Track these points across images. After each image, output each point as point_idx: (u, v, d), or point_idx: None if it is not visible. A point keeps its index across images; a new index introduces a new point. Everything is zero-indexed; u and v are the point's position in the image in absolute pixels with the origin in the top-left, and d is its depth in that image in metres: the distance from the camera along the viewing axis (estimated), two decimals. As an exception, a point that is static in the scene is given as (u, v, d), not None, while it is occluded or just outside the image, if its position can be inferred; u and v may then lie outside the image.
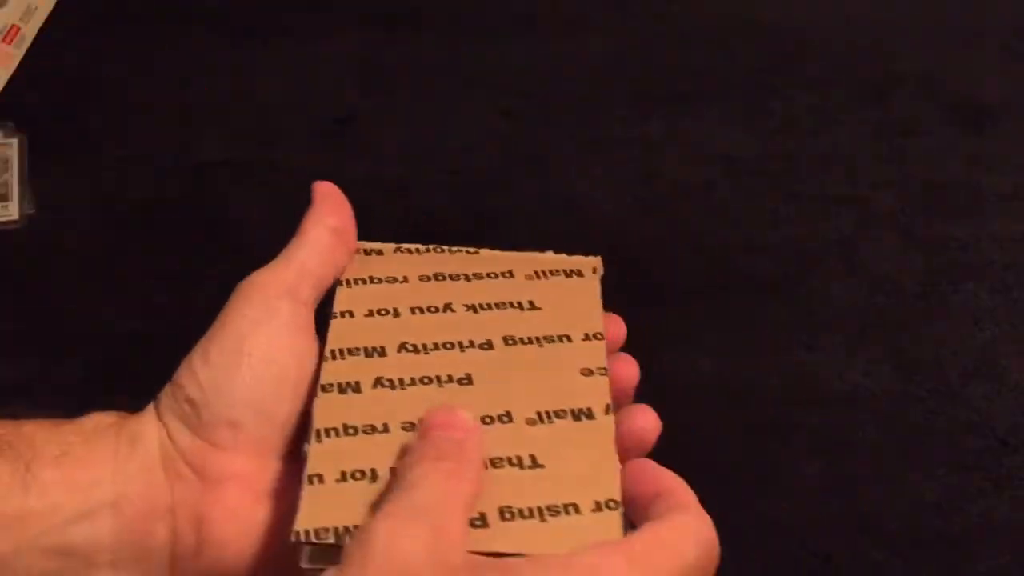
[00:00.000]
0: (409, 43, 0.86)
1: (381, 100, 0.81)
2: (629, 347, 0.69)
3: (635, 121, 0.79)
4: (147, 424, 0.42)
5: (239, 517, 0.40)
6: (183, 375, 0.42)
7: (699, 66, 0.83)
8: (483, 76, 0.83)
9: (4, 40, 0.84)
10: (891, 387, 0.64)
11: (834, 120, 0.78)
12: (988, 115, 0.79)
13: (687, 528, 0.36)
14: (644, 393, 0.67)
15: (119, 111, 0.80)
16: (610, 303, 0.71)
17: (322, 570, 0.35)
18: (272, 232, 0.77)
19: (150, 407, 0.42)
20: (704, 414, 0.63)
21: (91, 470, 0.40)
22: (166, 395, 0.42)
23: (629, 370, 0.47)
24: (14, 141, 0.76)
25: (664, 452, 0.65)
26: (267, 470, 0.42)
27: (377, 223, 0.70)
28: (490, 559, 0.34)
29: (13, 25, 0.85)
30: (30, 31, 0.85)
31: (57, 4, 0.88)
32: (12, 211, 0.72)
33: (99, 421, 0.42)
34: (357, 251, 0.47)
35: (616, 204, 0.72)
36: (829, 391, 0.64)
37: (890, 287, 0.68)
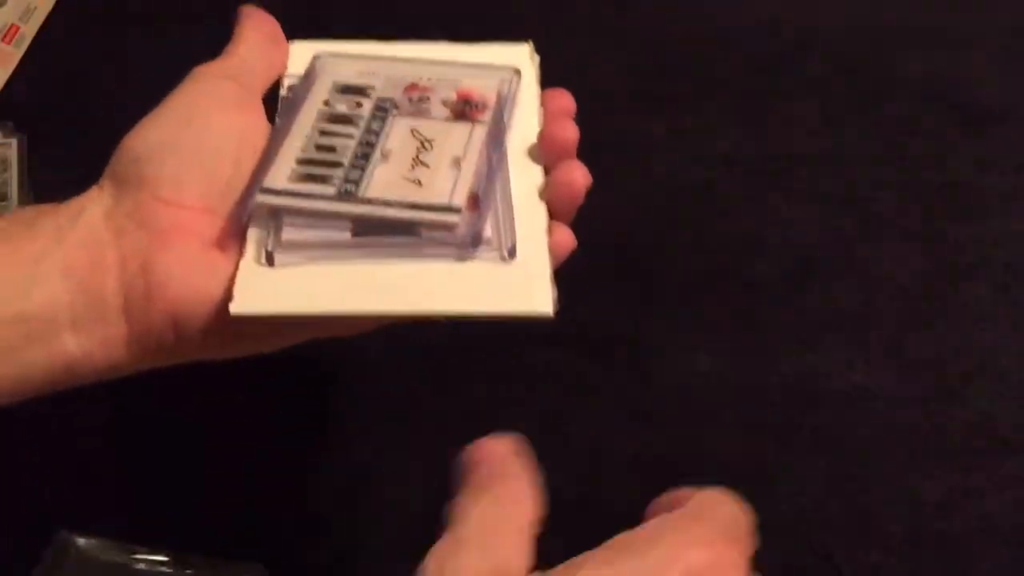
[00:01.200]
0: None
1: (381, 100, 0.81)
2: (629, 346, 0.69)
3: (635, 121, 0.79)
4: (89, 197, 0.44)
5: (185, 259, 0.42)
6: (128, 140, 0.46)
7: (699, 66, 0.83)
8: (483, 76, 0.83)
9: (3, 40, 0.84)
10: (891, 387, 0.64)
11: (834, 120, 0.78)
12: (989, 116, 0.79)
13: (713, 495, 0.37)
14: (644, 393, 0.67)
15: (119, 111, 0.80)
16: (611, 303, 0.72)
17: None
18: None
19: (92, 187, 0.45)
20: (704, 414, 0.63)
21: (35, 244, 0.42)
22: (110, 165, 0.45)
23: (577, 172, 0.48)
24: (14, 141, 0.76)
25: (664, 452, 0.65)
26: (210, 224, 0.43)
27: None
28: (559, 568, 0.33)
29: (12, 25, 0.84)
30: (29, 31, 0.85)
31: (57, 4, 0.88)
32: (12, 211, 0.72)
33: (31, 208, 0.44)
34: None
35: (616, 204, 0.72)
36: (829, 391, 0.64)
37: (890, 287, 0.68)
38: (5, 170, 0.74)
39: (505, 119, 0.45)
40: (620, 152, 0.77)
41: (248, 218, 0.42)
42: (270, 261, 0.41)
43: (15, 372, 0.41)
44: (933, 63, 0.83)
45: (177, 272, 0.41)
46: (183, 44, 0.88)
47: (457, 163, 0.43)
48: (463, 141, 0.44)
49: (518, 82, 0.46)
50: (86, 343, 0.41)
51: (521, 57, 0.49)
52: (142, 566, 0.44)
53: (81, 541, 0.44)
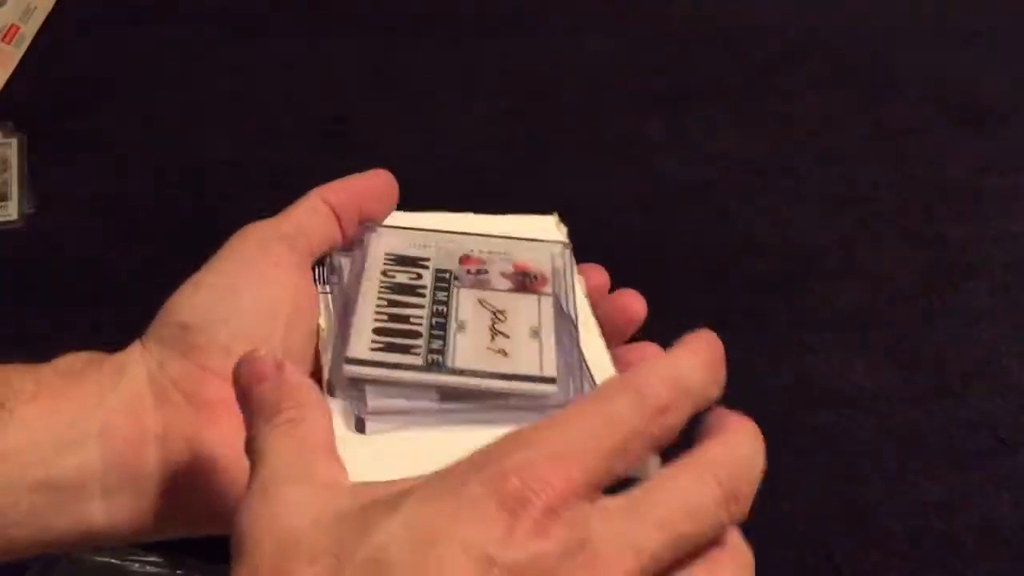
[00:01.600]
0: (409, 43, 0.86)
1: (381, 100, 0.81)
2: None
3: (635, 121, 0.79)
4: (132, 356, 0.42)
5: (230, 438, 0.39)
6: (174, 303, 0.43)
7: (699, 66, 0.83)
8: (483, 76, 0.83)
9: (3, 40, 0.84)
10: (891, 387, 0.64)
11: (834, 120, 0.78)
12: (989, 115, 0.79)
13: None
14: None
15: (119, 111, 0.80)
16: (610, 303, 0.71)
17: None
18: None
19: (135, 343, 0.42)
20: (704, 414, 0.63)
21: (73, 403, 0.40)
22: (155, 326, 0.42)
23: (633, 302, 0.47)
24: (14, 141, 0.76)
25: (665, 453, 0.65)
26: None
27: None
28: (377, 485, 0.32)
29: (12, 25, 0.84)
30: (29, 31, 0.85)
31: (57, 4, 0.88)
32: (12, 211, 0.72)
33: (75, 359, 0.42)
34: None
35: (616, 204, 0.72)
36: (829, 391, 0.64)
37: (890, 287, 0.68)
38: (5, 170, 0.74)
39: (565, 292, 0.46)
40: (620, 152, 0.77)
41: (330, 389, 0.41)
42: (360, 428, 0.40)
43: (35, 536, 0.39)
44: (933, 63, 0.83)
45: (222, 453, 0.40)
46: (183, 44, 0.89)
47: (536, 333, 0.44)
48: (534, 312, 0.45)
49: (570, 256, 0.48)
50: (115, 513, 0.39)
51: (548, 227, 0.50)
52: (135, 567, 0.44)
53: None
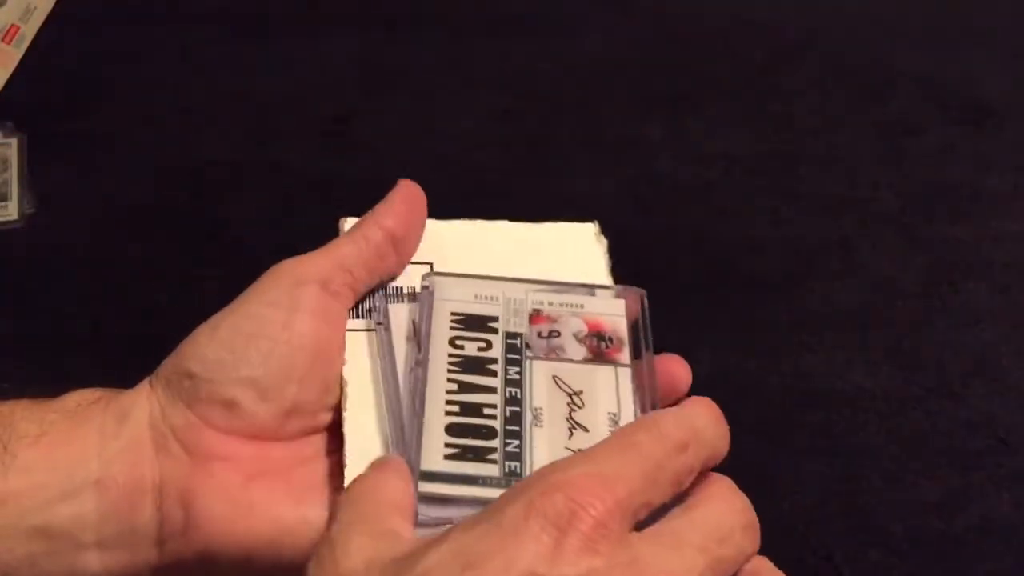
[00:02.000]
0: (409, 43, 0.86)
1: (381, 100, 0.81)
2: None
3: (635, 121, 0.79)
4: (138, 399, 0.41)
5: (228, 497, 0.39)
6: (187, 348, 0.41)
7: (699, 66, 0.83)
8: (483, 76, 0.83)
9: (3, 40, 0.84)
10: (891, 387, 0.64)
11: (834, 120, 0.78)
12: (988, 115, 0.79)
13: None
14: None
15: (119, 111, 0.80)
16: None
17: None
18: (272, 232, 0.78)
19: (144, 382, 0.41)
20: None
21: (74, 448, 0.39)
22: (166, 367, 0.41)
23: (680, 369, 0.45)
24: (14, 141, 0.76)
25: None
26: (260, 452, 0.41)
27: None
28: (424, 540, 0.32)
29: (12, 25, 0.84)
30: (29, 31, 0.85)
31: (57, 4, 0.88)
32: (12, 211, 0.72)
33: (82, 398, 0.41)
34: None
35: (616, 204, 0.72)
36: (829, 391, 0.64)
37: (890, 287, 0.68)
38: (5, 170, 0.74)
39: (645, 360, 0.42)
40: (620, 152, 0.77)
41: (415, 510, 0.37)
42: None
43: None
44: (933, 63, 0.83)
45: (218, 510, 0.39)
46: (183, 44, 0.89)
47: (614, 422, 0.40)
48: (611, 391, 0.42)
49: (646, 309, 0.44)
50: (111, 564, 0.39)
51: (587, 236, 0.48)
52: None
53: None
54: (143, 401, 0.41)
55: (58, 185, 0.74)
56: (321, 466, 0.41)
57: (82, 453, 0.39)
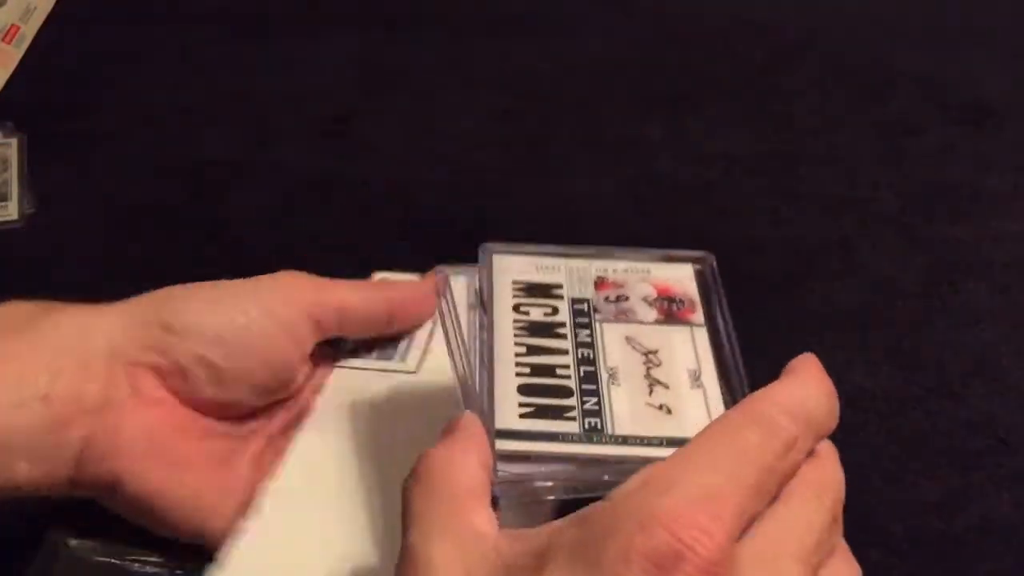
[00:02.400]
0: (408, 43, 0.86)
1: (381, 100, 0.81)
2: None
3: (635, 121, 0.79)
4: (101, 324, 0.43)
5: (153, 440, 0.41)
6: (177, 303, 0.43)
7: (699, 66, 0.83)
8: (483, 76, 0.83)
9: (3, 40, 0.84)
10: (891, 387, 0.64)
11: (834, 120, 0.78)
12: (988, 115, 0.79)
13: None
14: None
15: (119, 111, 0.80)
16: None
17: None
18: (272, 232, 0.78)
19: (114, 308, 0.44)
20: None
21: (25, 363, 0.41)
22: (146, 309, 0.43)
23: None
24: (14, 141, 0.76)
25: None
26: (193, 416, 0.43)
27: (377, 223, 0.70)
28: (520, 537, 0.31)
29: (13, 24, 0.84)
30: (29, 30, 0.85)
31: (57, 4, 0.88)
32: (12, 211, 0.72)
33: (14, 312, 0.43)
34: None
35: (616, 204, 0.72)
36: (829, 391, 0.64)
37: (890, 287, 0.68)
38: (5, 170, 0.74)
39: (722, 320, 0.41)
40: (620, 152, 0.77)
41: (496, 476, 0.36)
42: (494, 505, 0.35)
43: None
44: (933, 63, 0.83)
45: (139, 448, 0.41)
46: (183, 44, 0.89)
47: (696, 378, 0.39)
48: (689, 349, 0.40)
49: (716, 272, 0.43)
50: (36, 475, 0.41)
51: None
52: (135, 567, 0.44)
53: (73, 542, 0.44)
54: (106, 327, 0.43)
55: (58, 185, 0.74)
56: (247, 446, 0.44)
57: (33, 367, 0.41)
